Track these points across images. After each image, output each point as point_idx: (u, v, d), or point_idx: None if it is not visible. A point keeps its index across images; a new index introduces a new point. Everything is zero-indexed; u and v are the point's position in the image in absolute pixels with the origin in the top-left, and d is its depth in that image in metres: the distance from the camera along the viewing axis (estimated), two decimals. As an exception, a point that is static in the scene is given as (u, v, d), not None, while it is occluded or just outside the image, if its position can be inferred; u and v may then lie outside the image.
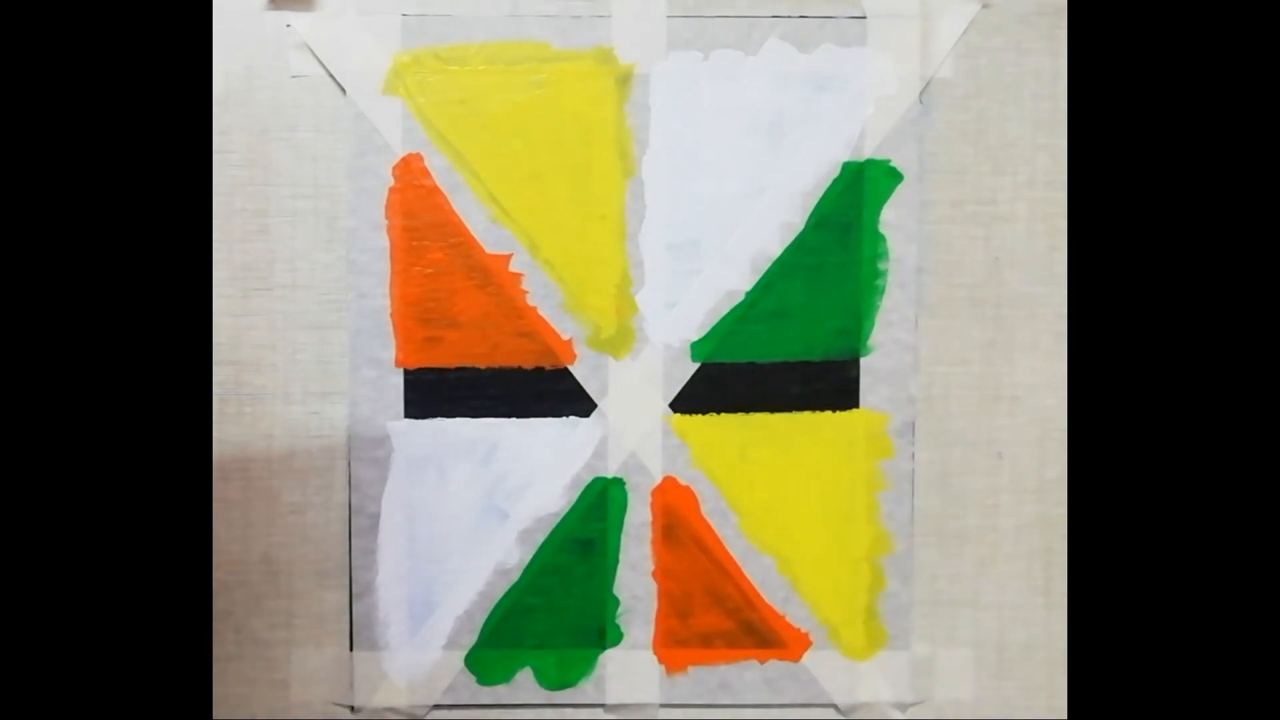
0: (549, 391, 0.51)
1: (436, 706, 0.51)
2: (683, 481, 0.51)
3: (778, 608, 0.52)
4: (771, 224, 0.51)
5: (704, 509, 0.51)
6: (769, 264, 0.51)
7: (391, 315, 0.50)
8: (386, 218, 0.50)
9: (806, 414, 0.51)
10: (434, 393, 0.51)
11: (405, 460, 0.51)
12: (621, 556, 0.51)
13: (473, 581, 0.51)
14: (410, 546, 0.51)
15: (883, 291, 0.51)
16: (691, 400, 0.51)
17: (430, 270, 0.50)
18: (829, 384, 0.51)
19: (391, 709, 0.51)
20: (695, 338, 0.51)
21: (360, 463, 0.51)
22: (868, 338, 0.51)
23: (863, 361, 0.51)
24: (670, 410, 0.51)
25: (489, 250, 0.50)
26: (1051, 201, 0.51)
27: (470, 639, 0.51)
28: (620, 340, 0.51)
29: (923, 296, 0.51)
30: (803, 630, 0.52)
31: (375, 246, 0.50)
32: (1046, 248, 0.51)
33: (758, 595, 0.51)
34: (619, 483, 0.51)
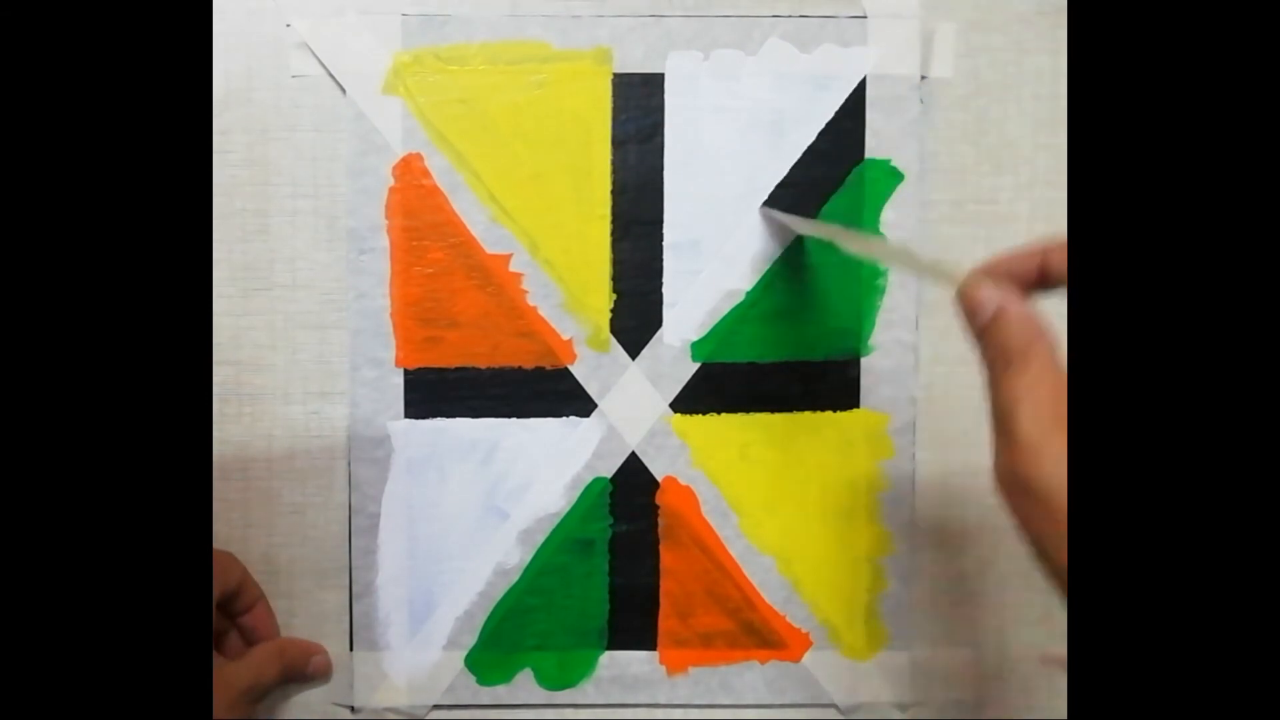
0: (549, 391, 0.51)
1: (436, 707, 0.51)
2: (683, 482, 0.51)
3: (778, 608, 0.51)
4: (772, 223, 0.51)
5: (704, 509, 0.51)
6: (769, 264, 0.51)
7: (391, 315, 0.50)
8: (386, 218, 0.50)
9: (807, 414, 0.51)
10: (434, 393, 0.51)
11: (405, 460, 0.51)
12: (622, 557, 0.51)
13: (473, 582, 0.51)
14: (410, 546, 0.51)
15: (883, 291, 0.51)
16: (692, 400, 0.51)
17: (430, 270, 0.50)
18: (829, 384, 0.51)
19: (391, 709, 0.51)
20: (696, 337, 0.51)
21: (360, 463, 0.51)
22: (868, 338, 0.51)
23: (863, 361, 0.51)
24: (671, 410, 0.51)
25: (489, 250, 0.50)
26: (1052, 201, 0.51)
27: (470, 639, 0.51)
28: (620, 340, 0.51)
29: (923, 296, 0.51)
30: (803, 630, 0.52)
31: (375, 246, 0.50)
32: (1047, 248, 0.51)
33: (758, 595, 0.51)
34: (619, 483, 0.51)
